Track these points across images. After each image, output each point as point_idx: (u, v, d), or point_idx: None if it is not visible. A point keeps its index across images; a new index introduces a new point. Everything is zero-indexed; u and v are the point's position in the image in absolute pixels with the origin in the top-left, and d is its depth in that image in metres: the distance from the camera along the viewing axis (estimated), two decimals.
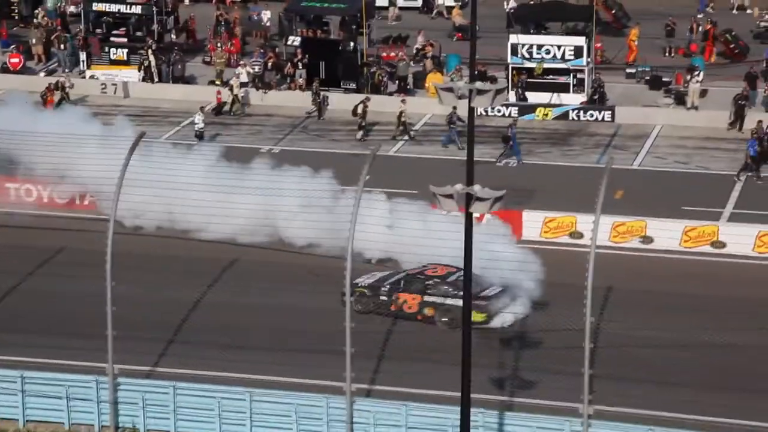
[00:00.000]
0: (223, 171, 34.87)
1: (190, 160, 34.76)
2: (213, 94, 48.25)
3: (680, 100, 47.55)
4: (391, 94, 48.46)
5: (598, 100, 47.30)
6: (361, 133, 44.85)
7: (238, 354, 28.01)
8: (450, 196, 19.43)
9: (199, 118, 44.39)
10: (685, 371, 27.56)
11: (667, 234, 35.15)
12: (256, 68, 49.79)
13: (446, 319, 30.20)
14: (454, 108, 41.20)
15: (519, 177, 39.52)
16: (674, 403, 26.06)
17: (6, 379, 26.40)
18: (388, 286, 31.02)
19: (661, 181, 40.67)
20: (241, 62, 50.33)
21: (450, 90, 19.31)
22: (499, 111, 46.13)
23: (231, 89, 47.81)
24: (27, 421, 26.38)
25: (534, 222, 35.93)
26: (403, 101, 45.33)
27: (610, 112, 46.78)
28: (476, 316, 27.43)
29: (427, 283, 30.72)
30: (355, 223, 24.82)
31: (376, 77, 48.76)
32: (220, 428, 25.76)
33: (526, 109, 46.95)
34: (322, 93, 47.05)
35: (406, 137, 44.66)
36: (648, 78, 49.65)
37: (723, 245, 35.15)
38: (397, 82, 48.99)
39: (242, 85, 48.90)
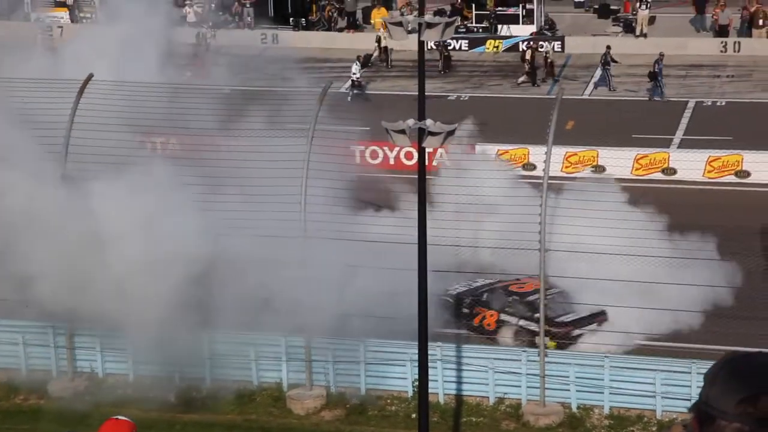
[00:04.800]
0: None
1: None
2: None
3: (629, 27, 47.67)
4: (341, 30, 48.21)
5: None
6: (523, 78, 43.82)
7: None
8: (402, 132, 19.40)
9: (356, 68, 42.64)
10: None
11: (619, 162, 35.37)
12: (202, 8, 49.36)
13: (518, 342, 25.95)
14: (608, 47, 41.13)
15: (470, 110, 39.47)
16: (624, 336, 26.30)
17: None
18: (471, 298, 26.94)
19: (612, 110, 40.86)
20: (187, 1, 49.82)
21: (399, 24, 19.23)
22: (449, 44, 46.09)
23: None
24: None
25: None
26: (541, 44, 44.86)
27: (559, 42, 46.83)
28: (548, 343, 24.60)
29: (507, 299, 26.51)
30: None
31: (326, 13, 48.46)
32: None
33: (477, 41, 46.89)
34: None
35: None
36: (596, 6, 49.71)
37: (674, 172, 35.47)
38: (346, 18, 48.75)
39: (191, 25, 48.47)
